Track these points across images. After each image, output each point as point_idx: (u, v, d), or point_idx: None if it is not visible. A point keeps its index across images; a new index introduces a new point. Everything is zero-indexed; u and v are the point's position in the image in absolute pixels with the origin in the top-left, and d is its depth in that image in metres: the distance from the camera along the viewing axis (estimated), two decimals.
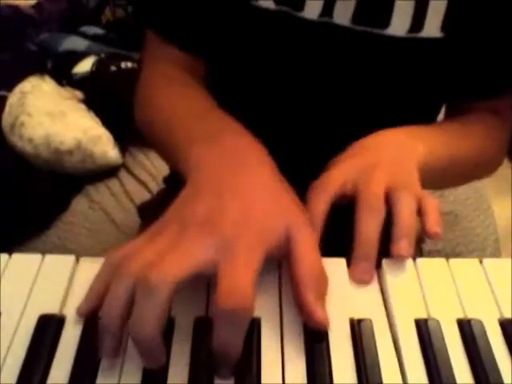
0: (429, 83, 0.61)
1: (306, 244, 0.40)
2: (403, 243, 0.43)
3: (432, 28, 0.54)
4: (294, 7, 0.54)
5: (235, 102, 0.53)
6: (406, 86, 0.60)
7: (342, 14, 0.54)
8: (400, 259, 0.44)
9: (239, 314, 0.35)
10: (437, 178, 0.56)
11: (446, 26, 0.54)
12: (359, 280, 0.43)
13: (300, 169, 0.57)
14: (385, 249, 0.44)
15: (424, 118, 0.64)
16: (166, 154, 0.57)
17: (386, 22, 0.54)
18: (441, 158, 0.54)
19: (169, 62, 0.61)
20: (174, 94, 0.58)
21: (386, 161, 0.48)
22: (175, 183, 0.45)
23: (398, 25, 0.54)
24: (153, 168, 1.24)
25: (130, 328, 0.35)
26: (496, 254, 1.11)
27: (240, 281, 0.35)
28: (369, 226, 0.43)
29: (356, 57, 0.57)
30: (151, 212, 0.77)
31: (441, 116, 0.68)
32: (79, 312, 0.41)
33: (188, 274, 0.36)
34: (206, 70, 0.63)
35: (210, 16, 0.59)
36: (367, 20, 0.54)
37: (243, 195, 0.40)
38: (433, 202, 0.45)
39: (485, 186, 1.25)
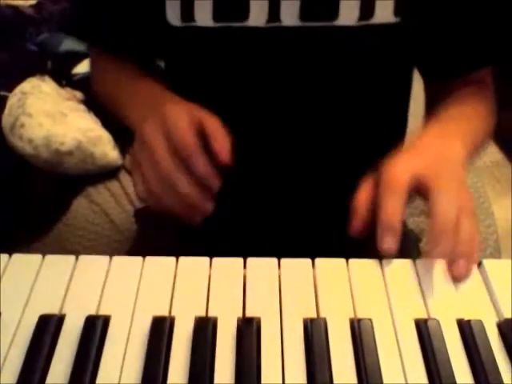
0: (395, 69, 0.60)
1: None
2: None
3: (384, 13, 0.53)
4: (236, 19, 0.53)
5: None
6: (371, 76, 0.59)
7: (289, 15, 0.53)
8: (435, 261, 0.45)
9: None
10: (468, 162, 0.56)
11: (399, 9, 0.53)
12: (460, 276, 0.44)
13: (274, 168, 0.59)
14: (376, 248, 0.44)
15: (395, 104, 0.63)
16: (116, 114, 0.65)
17: (334, 13, 0.53)
18: (472, 145, 0.55)
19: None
20: (118, 70, 0.65)
21: (441, 165, 0.48)
22: None
23: (347, 14, 0.53)
24: None
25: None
26: (496, 254, 1.11)
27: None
28: (448, 210, 0.44)
29: (312, 54, 0.56)
30: (147, 217, 0.81)
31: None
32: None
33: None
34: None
35: (156, 44, 0.60)
36: (315, 15, 0.53)
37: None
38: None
39: (485, 186, 1.24)
